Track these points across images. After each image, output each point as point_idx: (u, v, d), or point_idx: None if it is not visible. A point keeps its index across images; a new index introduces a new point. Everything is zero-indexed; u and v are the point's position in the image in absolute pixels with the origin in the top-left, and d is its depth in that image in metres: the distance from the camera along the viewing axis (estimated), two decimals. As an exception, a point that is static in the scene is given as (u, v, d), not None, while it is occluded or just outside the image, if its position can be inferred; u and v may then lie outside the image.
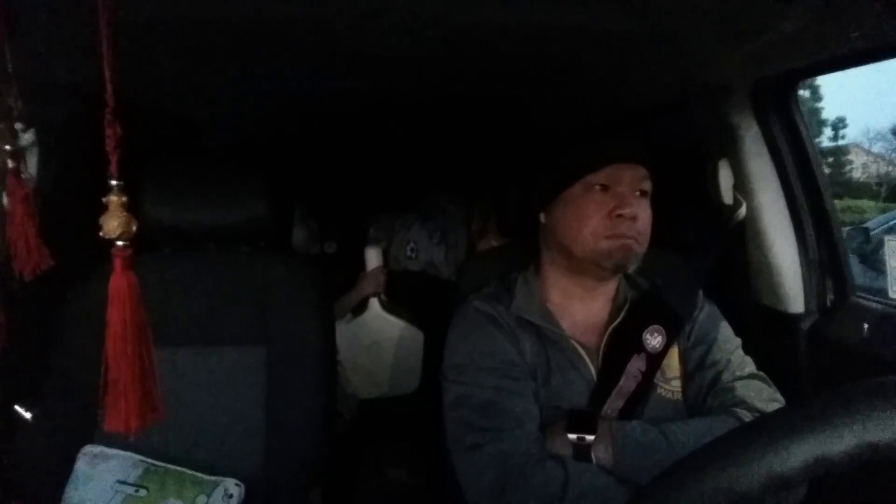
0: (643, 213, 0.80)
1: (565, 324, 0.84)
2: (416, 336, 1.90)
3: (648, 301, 0.86)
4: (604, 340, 0.83)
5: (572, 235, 0.81)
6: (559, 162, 0.85)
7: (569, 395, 0.80)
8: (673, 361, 0.84)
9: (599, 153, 0.81)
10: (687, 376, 0.83)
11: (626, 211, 0.78)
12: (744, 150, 0.96)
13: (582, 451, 0.74)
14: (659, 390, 0.81)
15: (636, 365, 0.80)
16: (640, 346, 0.81)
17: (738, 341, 0.85)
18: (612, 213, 0.78)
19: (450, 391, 0.81)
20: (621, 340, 0.83)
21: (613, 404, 0.79)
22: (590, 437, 0.74)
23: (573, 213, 0.81)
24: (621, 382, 0.79)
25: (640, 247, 0.80)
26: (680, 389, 0.82)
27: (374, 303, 1.88)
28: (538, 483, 0.69)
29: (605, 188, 0.80)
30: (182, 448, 0.91)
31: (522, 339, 0.82)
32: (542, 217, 0.88)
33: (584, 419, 0.76)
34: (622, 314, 0.85)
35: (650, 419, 0.78)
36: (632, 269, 0.82)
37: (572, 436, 0.75)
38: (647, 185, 0.82)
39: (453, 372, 0.81)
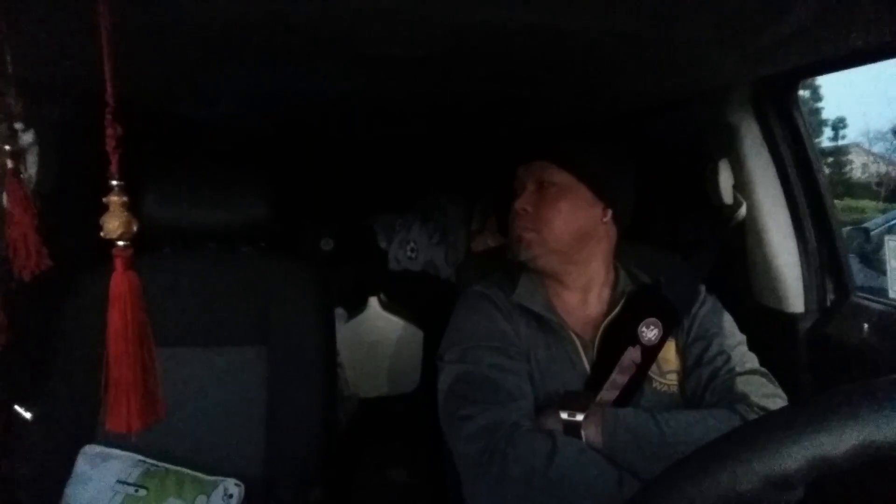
0: (540, 202, 0.83)
1: (563, 316, 0.85)
2: (416, 335, 1.89)
3: (646, 295, 0.87)
4: (599, 333, 0.84)
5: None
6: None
7: (563, 385, 0.81)
8: (670, 355, 0.84)
9: (517, 159, 0.89)
10: (686, 371, 0.83)
11: (516, 204, 0.85)
12: (744, 150, 0.95)
13: (572, 428, 0.74)
14: (654, 384, 0.82)
15: (630, 357, 0.81)
16: (635, 339, 0.82)
17: (741, 337, 0.85)
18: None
19: (446, 371, 0.82)
20: (616, 333, 0.83)
21: (606, 395, 0.80)
22: (580, 416, 0.74)
23: None
24: (614, 375, 0.80)
25: (540, 236, 0.83)
26: (676, 383, 0.83)
27: (374, 302, 1.88)
28: (525, 451, 0.69)
29: (521, 189, 0.86)
30: (182, 448, 0.91)
31: (520, 323, 0.84)
32: None
33: (576, 399, 0.77)
34: (618, 307, 0.86)
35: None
36: (541, 260, 0.84)
37: (563, 414, 0.75)
38: (552, 176, 0.84)
39: (451, 352, 0.83)
